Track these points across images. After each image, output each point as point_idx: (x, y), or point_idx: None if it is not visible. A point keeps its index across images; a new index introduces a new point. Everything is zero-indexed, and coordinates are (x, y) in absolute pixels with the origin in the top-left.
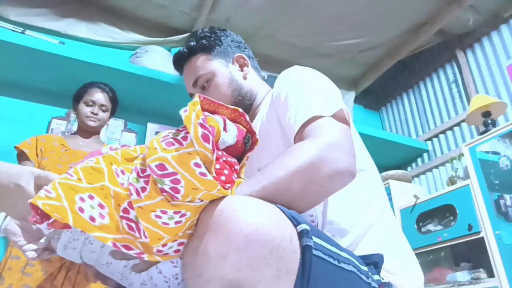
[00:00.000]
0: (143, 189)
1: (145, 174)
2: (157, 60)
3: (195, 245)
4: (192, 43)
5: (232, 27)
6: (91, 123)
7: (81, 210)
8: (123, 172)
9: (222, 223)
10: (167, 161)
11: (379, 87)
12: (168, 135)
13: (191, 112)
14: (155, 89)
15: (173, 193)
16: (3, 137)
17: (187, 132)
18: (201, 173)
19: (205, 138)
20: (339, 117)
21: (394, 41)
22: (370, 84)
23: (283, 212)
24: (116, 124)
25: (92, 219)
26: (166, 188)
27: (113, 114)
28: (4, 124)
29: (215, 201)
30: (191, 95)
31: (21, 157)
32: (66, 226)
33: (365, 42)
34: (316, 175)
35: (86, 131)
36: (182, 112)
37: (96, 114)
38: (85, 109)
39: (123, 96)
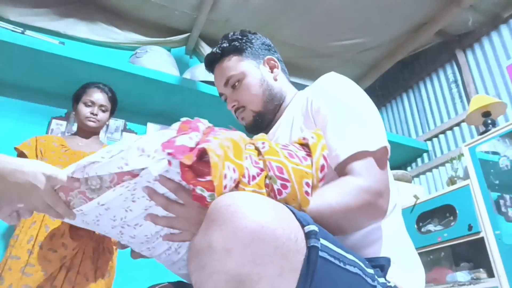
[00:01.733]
0: (253, 177)
1: (258, 166)
2: (157, 60)
3: (200, 238)
4: (224, 45)
5: (231, 27)
6: (91, 124)
7: (225, 176)
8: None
9: (228, 218)
10: (287, 168)
11: (379, 87)
12: (287, 147)
13: (318, 142)
14: (155, 89)
15: (276, 194)
16: (3, 137)
17: (309, 155)
18: (306, 192)
19: (322, 168)
20: (383, 154)
21: (394, 41)
22: (370, 84)
23: (293, 213)
24: (116, 124)
25: (225, 187)
26: (275, 187)
27: (112, 114)
28: (4, 124)
29: (222, 196)
30: (221, 95)
31: (21, 158)
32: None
33: (365, 42)
34: (360, 217)
35: (86, 132)
36: (310, 137)
37: (96, 115)
38: (85, 110)
39: (123, 96)
